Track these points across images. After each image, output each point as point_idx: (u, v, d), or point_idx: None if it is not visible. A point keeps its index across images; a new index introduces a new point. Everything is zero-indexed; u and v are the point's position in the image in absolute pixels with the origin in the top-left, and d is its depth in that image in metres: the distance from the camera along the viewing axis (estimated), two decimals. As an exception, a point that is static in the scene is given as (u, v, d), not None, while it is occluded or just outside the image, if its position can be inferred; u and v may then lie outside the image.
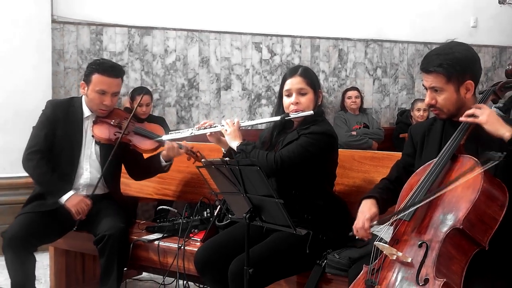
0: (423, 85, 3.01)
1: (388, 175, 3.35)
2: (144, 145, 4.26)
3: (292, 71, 3.68)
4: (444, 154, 2.82)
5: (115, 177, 4.43)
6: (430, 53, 3.00)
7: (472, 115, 2.82)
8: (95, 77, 4.14)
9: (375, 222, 2.95)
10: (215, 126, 3.84)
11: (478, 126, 2.83)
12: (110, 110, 4.27)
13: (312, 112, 3.56)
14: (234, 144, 3.61)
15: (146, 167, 4.42)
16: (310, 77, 3.64)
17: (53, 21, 6.66)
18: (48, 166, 4.15)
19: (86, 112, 4.27)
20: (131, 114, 4.30)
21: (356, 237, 3.07)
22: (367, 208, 3.08)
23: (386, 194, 3.20)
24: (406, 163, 3.26)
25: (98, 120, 4.25)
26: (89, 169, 4.27)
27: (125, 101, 6.98)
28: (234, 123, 3.70)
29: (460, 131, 2.87)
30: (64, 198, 4.07)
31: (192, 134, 3.95)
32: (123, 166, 4.50)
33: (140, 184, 4.75)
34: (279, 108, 3.74)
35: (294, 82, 3.61)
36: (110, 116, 4.28)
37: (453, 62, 2.87)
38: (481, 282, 2.68)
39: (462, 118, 2.85)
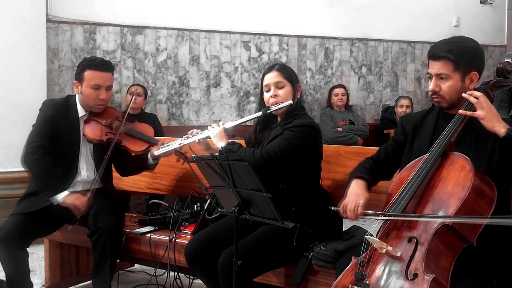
0: (427, 72, 2.97)
1: (375, 155, 3.27)
2: (134, 146, 4.22)
3: (270, 68, 3.71)
4: (435, 151, 2.76)
5: (108, 173, 4.36)
6: (439, 41, 2.97)
7: (472, 108, 2.78)
8: (88, 73, 4.07)
9: (370, 212, 2.81)
10: (201, 133, 3.83)
11: (469, 124, 2.81)
12: (106, 104, 4.21)
13: (291, 102, 3.56)
14: (221, 144, 3.60)
15: (132, 165, 4.39)
16: (286, 71, 3.66)
17: (48, 20, 6.59)
18: (49, 163, 4.04)
19: (81, 111, 4.19)
20: (124, 119, 4.23)
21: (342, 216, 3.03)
22: (360, 192, 3.01)
23: (371, 176, 3.14)
24: (395, 148, 3.19)
25: (90, 119, 4.18)
26: (85, 167, 4.22)
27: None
28: (219, 125, 3.71)
29: (451, 128, 2.81)
30: (60, 196, 3.97)
31: (182, 145, 3.95)
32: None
33: (132, 179, 4.70)
34: (260, 105, 3.75)
35: (271, 77, 3.63)
36: (102, 115, 4.20)
37: (462, 50, 2.86)
38: (467, 277, 2.63)
39: (461, 111, 2.80)
